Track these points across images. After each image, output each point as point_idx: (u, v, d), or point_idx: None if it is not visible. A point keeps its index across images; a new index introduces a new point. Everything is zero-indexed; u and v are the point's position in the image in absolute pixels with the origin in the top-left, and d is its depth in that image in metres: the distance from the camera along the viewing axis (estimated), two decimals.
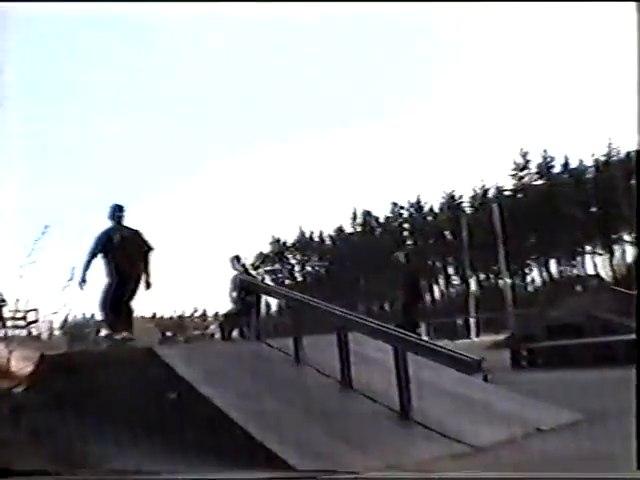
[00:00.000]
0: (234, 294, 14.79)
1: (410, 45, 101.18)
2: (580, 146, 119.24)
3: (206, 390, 8.92)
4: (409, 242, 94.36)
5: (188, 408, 8.39)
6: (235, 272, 14.91)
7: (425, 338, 20.44)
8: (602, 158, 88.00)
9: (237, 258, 15.12)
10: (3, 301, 19.18)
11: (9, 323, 25.09)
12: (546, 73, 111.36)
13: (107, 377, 10.67)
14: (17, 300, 17.04)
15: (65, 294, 12.23)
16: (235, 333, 15.39)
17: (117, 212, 12.58)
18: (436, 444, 8.43)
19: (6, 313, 22.48)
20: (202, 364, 10.11)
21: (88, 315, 36.62)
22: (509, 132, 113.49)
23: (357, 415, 9.29)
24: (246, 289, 14.60)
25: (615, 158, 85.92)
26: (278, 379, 10.23)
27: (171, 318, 69.27)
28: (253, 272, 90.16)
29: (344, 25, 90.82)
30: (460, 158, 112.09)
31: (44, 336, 28.39)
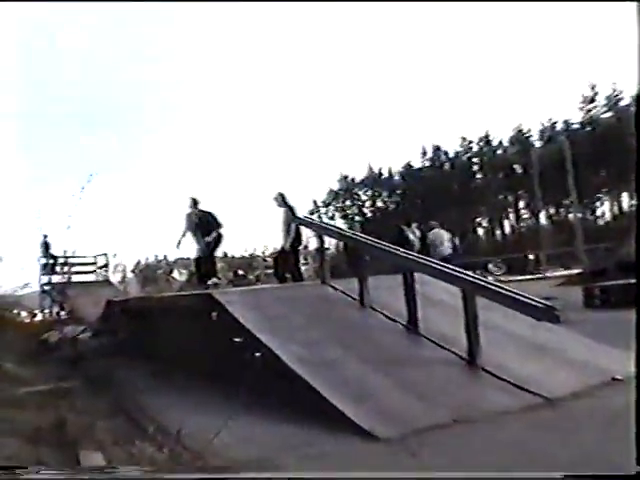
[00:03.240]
0: (285, 230, 14.83)
1: None
2: None
3: (267, 338, 8.68)
4: (478, 176, 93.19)
5: (248, 357, 8.12)
6: (281, 209, 14.95)
7: (498, 273, 19.99)
8: None
9: (282, 196, 15.08)
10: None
11: (78, 268, 25.42)
12: (616, 5, 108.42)
13: (168, 325, 10.58)
14: (65, 251, 17.48)
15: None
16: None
17: (192, 203, 16.39)
18: (506, 395, 8.04)
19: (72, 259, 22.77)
20: (264, 310, 9.89)
21: (160, 257, 36.83)
22: (577, 64, 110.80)
23: (424, 363, 8.97)
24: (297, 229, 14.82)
25: None
26: (343, 325, 9.97)
27: (242, 257, 69.88)
28: (323, 209, 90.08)
29: None
30: (527, 92, 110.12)
31: (116, 280, 28.60)
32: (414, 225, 20.07)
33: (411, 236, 19.04)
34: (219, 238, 16.25)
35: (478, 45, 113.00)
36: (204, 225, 16.04)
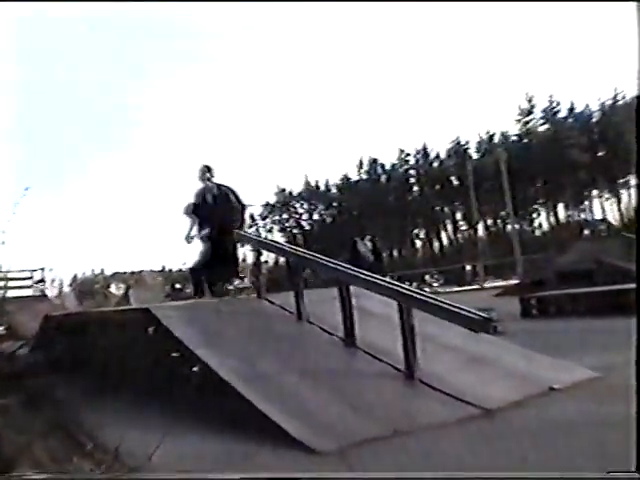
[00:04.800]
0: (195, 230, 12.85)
1: None
2: (586, 91, 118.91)
3: (203, 353, 8.63)
4: (415, 189, 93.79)
5: (184, 372, 8.09)
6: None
7: (436, 284, 20.10)
8: (608, 102, 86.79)
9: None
10: None
11: (14, 283, 25.03)
12: (551, 17, 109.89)
13: (106, 340, 10.46)
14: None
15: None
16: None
17: (206, 173, 12.80)
18: (444, 407, 8.09)
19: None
20: (201, 324, 9.83)
21: (97, 271, 36.63)
22: (514, 77, 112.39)
23: (361, 376, 8.99)
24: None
25: (621, 102, 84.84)
26: (279, 339, 9.94)
27: (180, 270, 69.65)
28: (261, 222, 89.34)
29: None
30: (465, 104, 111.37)
31: (52, 294, 28.30)
32: (367, 238, 20.14)
33: (363, 249, 19.07)
34: (242, 225, 12.98)
35: (414, 57, 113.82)
36: (222, 207, 12.61)
